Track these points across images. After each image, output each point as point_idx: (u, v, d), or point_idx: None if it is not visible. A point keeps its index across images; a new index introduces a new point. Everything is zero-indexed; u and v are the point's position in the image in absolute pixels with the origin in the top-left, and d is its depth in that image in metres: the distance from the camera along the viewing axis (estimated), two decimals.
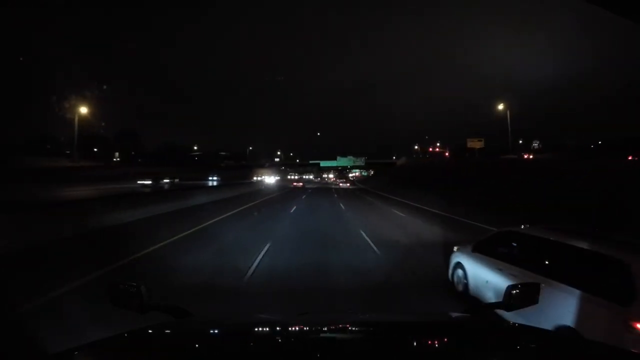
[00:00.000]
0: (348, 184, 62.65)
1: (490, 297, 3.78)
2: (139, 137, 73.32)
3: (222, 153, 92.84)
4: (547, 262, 3.29)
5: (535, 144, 69.26)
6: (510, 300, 1.37)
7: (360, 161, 70.20)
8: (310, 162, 75.90)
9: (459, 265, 4.69)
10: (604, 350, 1.15)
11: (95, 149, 62.07)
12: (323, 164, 73.07)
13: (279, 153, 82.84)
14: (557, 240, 3.25)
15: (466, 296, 4.37)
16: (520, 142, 65.53)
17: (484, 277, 4.00)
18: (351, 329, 1.42)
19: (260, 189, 35.65)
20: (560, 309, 2.73)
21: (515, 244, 3.82)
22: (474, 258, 4.38)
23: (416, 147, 73.07)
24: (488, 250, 4.16)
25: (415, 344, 1.20)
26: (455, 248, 5.11)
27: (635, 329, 2.19)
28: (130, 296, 1.34)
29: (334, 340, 1.29)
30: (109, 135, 69.60)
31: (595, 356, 1.09)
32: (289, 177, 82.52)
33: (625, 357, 1.10)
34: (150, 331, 1.24)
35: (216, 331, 1.39)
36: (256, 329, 1.43)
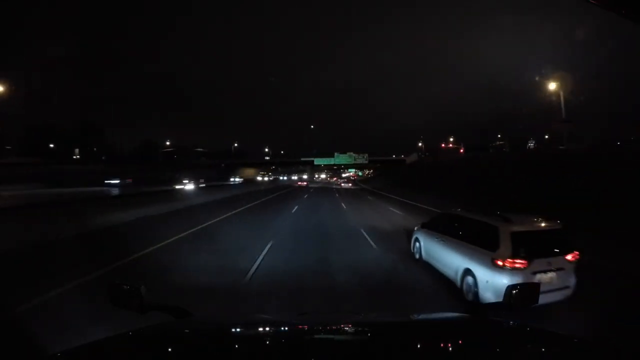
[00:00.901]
0: (350, 184, 60.56)
1: (435, 259, 5.76)
2: (102, 132, 68.30)
3: (199, 149, 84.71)
4: (459, 230, 5.20)
5: (531, 144, 58.79)
6: (510, 300, 1.40)
7: (362, 158, 62.67)
8: (302, 159, 66.94)
9: (416, 239, 6.68)
10: (604, 350, 1.17)
11: (52, 145, 57.46)
12: (318, 161, 64.84)
13: (266, 150, 74.86)
14: (464, 216, 5.36)
15: (421, 261, 6.33)
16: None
17: (430, 245, 6.02)
18: (351, 330, 1.45)
19: (240, 193, 28.93)
20: (464, 256, 4.75)
21: (447, 220, 5.84)
22: (424, 233, 6.39)
23: (420, 144, 64.12)
24: (431, 227, 6.24)
25: (415, 344, 1.22)
26: (415, 228, 6.97)
27: (497, 264, 4.08)
28: (130, 296, 1.37)
29: (334, 340, 1.31)
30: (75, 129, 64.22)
31: (596, 356, 1.11)
32: (263, 178, 76.70)
33: (625, 357, 1.12)
34: (150, 331, 1.26)
35: (216, 331, 1.41)
36: (256, 329, 1.46)
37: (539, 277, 3.95)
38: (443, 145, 61.96)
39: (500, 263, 4.06)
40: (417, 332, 1.40)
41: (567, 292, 4.09)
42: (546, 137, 51.24)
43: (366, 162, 64.22)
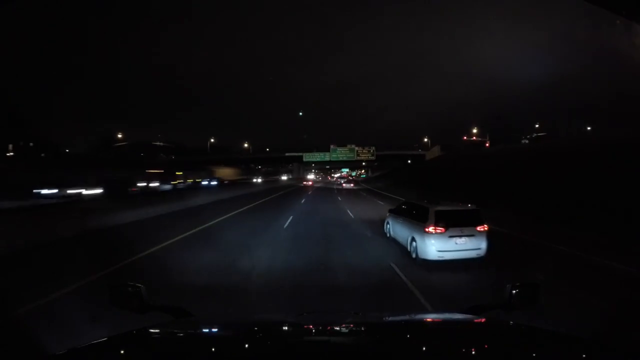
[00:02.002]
0: (351, 184, 53.22)
1: (396, 234, 8.55)
2: (35, 124, 56.13)
3: (158, 143, 73.13)
4: (409, 212, 8.05)
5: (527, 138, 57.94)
6: (510, 300, 1.49)
7: (368, 153, 52.87)
8: (287, 154, 55.80)
9: (387, 222, 9.66)
10: (604, 350, 1.24)
11: None
12: (308, 157, 54.56)
13: (245, 145, 64.75)
14: (414, 202, 8.29)
15: (389, 238, 9.14)
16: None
17: (394, 226, 8.88)
18: (352, 330, 1.56)
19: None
20: (411, 229, 7.48)
21: (404, 207, 8.68)
22: (391, 217, 9.25)
23: (426, 139, 56.29)
24: (396, 212, 9.07)
25: (415, 344, 1.31)
26: (387, 213, 9.77)
27: (426, 231, 6.67)
28: (130, 296, 1.46)
29: (334, 341, 1.41)
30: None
31: (596, 356, 1.16)
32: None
33: (625, 357, 1.19)
34: (150, 331, 1.34)
35: (216, 331, 1.52)
36: (256, 329, 1.56)
37: (455, 239, 6.58)
38: (465, 137, 53.50)
39: (427, 230, 6.77)
40: (417, 332, 1.50)
41: (480, 252, 6.67)
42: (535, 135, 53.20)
43: (372, 157, 54.31)
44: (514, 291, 1.48)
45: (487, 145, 46.35)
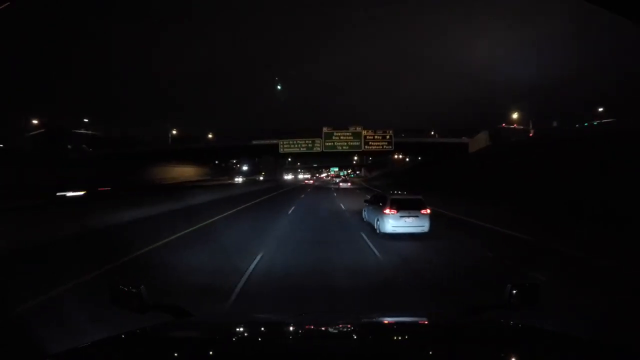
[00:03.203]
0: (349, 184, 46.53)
1: (368, 217, 12.05)
2: None
3: (82, 131, 51.16)
4: (377, 201, 11.26)
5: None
6: (510, 300, 1.49)
7: (383, 141, 37.50)
8: (254, 142, 40.27)
9: (364, 210, 13.21)
10: (605, 350, 1.24)
11: None
12: (287, 147, 38.74)
13: (210, 136, 51.52)
14: (380, 194, 12.54)
15: (365, 221, 12.49)
16: None
17: (367, 211, 12.45)
18: (351, 330, 1.58)
19: None
20: (376, 212, 10.81)
21: (374, 198, 12.16)
22: (366, 206, 12.80)
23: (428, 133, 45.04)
24: (369, 202, 12.45)
25: (415, 344, 1.34)
26: (364, 203, 13.18)
27: (384, 212, 9.92)
28: (130, 296, 1.48)
29: (334, 341, 1.43)
30: None
31: (596, 356, 1.18)
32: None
33: (625, 357, 1.19)
34: (150, 331, 1.37)
35: (216, 331, 1.55)
36: (256, 329, 1.59)
37: (404, 219, 9.67)
38: (504, 125, 43.17)
39: (385, 212, 9.90)
40: (416, 332, 1.55)
41: (423, 228, 9.76)
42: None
43: (389, 147, 38.29)
44: (514, 291, 1.49)
45: (531, 134, 36.36)
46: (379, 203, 10.76)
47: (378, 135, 37.83)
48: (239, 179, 57.90)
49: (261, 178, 56.90)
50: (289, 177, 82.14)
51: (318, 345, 1.29)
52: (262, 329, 1.61)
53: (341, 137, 38.29)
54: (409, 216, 9.57)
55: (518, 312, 1.48)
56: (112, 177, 34.39)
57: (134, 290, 1.45)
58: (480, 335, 1.42)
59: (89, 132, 51.39)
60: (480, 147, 33.60)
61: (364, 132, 37.76)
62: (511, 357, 1.19)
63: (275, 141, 39.01)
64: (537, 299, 1.55)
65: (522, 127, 40.01)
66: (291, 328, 1.59)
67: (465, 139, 37.57)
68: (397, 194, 10.95)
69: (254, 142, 40.24)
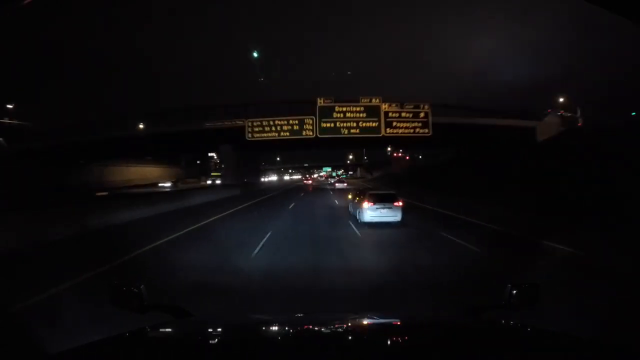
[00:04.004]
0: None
1: (353, 210, 14.29)
2: None
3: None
4: (359, 195, 14.08)
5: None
6: (510, 300, 1.49)
7: (415, 121, 24.11)
8: (207, 124, 25.93)
9: (350, 205, 15.74)
10: (605, 350, 1.24)
11: None
12: (258, 131, 24.69)
13: (141, 126, 29.48)
14: (361, 190, 16.30)
15: (351, 214, 14.84)
16: None
17: (352, 206, 14.97)
18: (351, 330, 1.60)
19: None
20: (359, 206, 12.93)
21: (357, 195, 15.14)
22: (351, 202, 15.72)
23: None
24: (353, 197, 15.50)
25: (414, 345, 1.34)
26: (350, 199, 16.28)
27: (363, 204, 12.19)
28: (129, 296, 1.48)
29: (333, 340, 1.44)
30: None
31: (596, 356, 1.18)
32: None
33: (625, 357, 1.20)
34: (150, 331, 1.37)
35: (216, 331, 1.57)
36: (256, 329, 1.61)
37: (380, 210, 11.88)
38: (549, 110, 30.86)
39: (364, 204, 12.11)
40: (416, 332, 1.54)
41: (396, 218, 11.91)
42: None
43: (425, 131, 24.14)
44: (514, 291, 1.48)
45: (580, 124, 28.39)
46: (360, 197, 13.25)
47: (406, 112, 24.01)
48: (165, 184, 42.81)
49: (218, 182, 41.32)
50: (271, 178, 68.41)
51: (317, 346, 1.31)
52: (262, 329, 1.63)
53: (347, 114, 24.06)
54: (383, 208, 11.80)
55: (518, 312, 1.48)
56: (34, 181, 25.74)
57: (134, 290, 1.47)
58: (480, 335, 1.43)
59: (14, 121, 35.68)
60: (551, 134, 24.54)
61: (384, 107, 23.93)
62: (511, 358, 1.18)
63: (239, 122, 24.78)
64: (537, 299, 1.55)
65: (569, 114, 29.92)
66: (290, 329, 1.60)
67: (531, 122, 25.92)
68: (373, 189, 13.68)
69: (207, 125, 25.96)
